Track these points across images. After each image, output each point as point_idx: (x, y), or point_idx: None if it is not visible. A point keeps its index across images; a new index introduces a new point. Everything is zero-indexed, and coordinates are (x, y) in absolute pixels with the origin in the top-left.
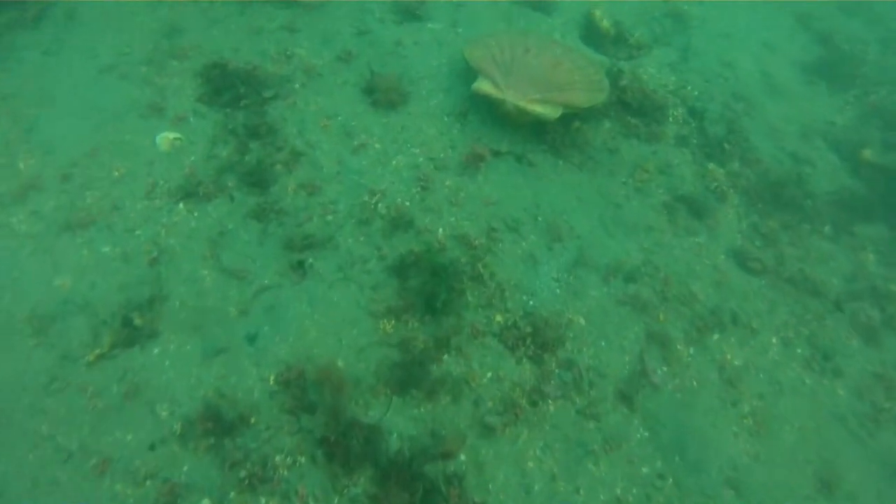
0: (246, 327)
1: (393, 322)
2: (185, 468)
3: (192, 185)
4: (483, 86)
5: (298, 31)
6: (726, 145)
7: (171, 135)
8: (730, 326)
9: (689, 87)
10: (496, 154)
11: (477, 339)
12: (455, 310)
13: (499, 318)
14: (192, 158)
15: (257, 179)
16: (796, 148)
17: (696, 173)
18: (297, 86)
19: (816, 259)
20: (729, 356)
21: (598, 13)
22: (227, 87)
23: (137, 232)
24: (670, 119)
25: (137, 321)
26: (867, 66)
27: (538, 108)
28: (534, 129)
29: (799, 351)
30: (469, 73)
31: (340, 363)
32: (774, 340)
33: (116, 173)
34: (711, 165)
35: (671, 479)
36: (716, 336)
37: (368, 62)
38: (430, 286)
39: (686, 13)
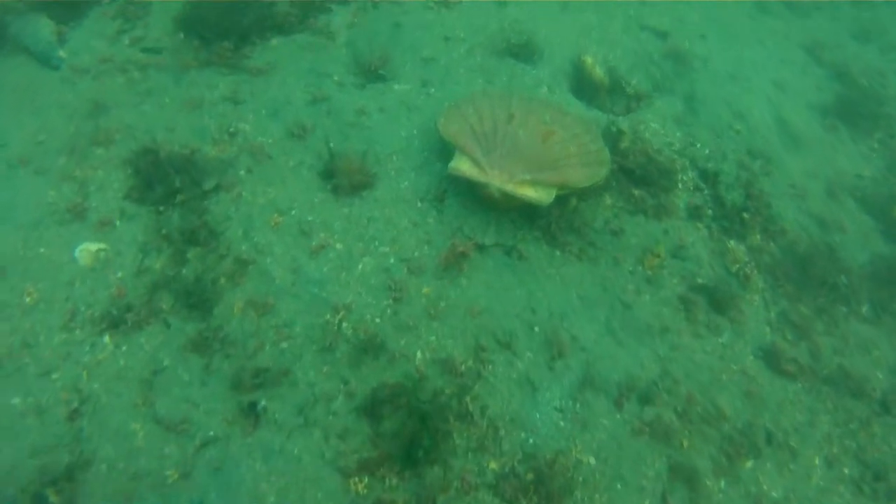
0: (188, 495)
1: (366, 480)
2: None
3: (120, 311)
4: (462, 166)
5: (243, 103)
6: (745, 215)
7: (94, 246)
8: (765, 449)
9: (698, 145)
10: (481, 248)
11: (468, 495)
12: (441, 457)
13: (493, 464)
14: (120, 274)
15: (197, 299)
16: (823, 210)
17: (714, 252)
18: (242, 172)
19: (856, 348)
20: (766, 487)
21: (589, 60)
22: (159, 178)
23: (54, 376)
24: (679, 186)
25: (53, 498)
26: (890, 103)
27: (529, 193)
28: (524, 212)
29: (846, 471)
30: (445, 144)
31: None
32: (817, 461)
33: (29, 299)
34: (731, 243)
35: None
36: (749, 463)
37: (326, 137)
38: (409, 429)
39: (687, 52)
